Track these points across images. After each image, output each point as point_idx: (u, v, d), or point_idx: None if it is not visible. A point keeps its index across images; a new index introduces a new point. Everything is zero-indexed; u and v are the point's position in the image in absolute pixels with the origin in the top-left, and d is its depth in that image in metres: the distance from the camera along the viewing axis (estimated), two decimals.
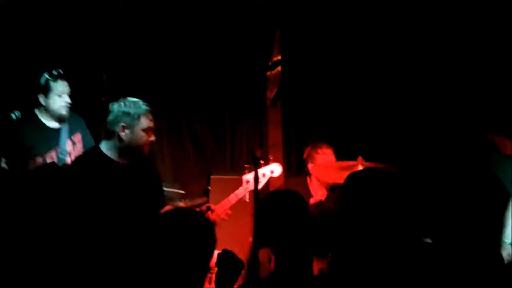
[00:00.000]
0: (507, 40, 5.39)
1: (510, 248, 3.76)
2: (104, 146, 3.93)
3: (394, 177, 2.47)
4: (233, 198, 4.35)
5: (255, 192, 3.18)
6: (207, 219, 2.81)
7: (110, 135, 3.91)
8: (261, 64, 6.19)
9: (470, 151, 5.42)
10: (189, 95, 6.17)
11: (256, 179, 3.16)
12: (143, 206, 3.87)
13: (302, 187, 5.18)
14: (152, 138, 3.97)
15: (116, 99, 4.07)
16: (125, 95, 4.13)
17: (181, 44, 6.04)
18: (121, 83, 5.55)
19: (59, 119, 4.76)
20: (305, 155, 5.32)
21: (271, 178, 4.67)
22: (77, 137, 4.88)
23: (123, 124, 3.86)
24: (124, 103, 3.91)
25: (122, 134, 3.85)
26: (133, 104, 3.92)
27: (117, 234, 3.67)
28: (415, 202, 2.54)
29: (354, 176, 2.54)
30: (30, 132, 4.73)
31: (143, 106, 3.93)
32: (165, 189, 5.68)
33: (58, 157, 4.73)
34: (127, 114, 3.87)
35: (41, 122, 4.78)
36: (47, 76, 4.71)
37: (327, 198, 5.18)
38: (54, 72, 4.71)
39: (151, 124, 3.95)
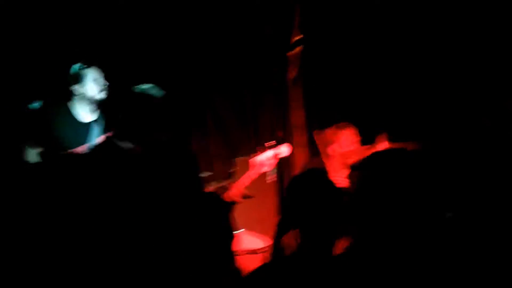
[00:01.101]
0: None
1: None
2: (116, 137, 4.04)
3: (412, 156, 2.49)
4: (246, 179, 4.39)
5: (279, 177, 3.21)
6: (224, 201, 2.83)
7: (123, 125, 3.97)
8: (282, 45, 6.18)
9: (489, 121, 5.40)
10: (211, 79, 6.18)
11: (280, 163, 3.19)
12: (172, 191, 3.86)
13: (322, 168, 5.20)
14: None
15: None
16: (139, 81, 4.12)
17: (201, 26, 6.04)
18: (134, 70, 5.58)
19: (98, 105, 4.76)
20: (328, 136, 5.31)
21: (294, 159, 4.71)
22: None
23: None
24: (146, 89, 3.98)
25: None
26: (154, 90, 3.93)
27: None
28: (435, 179, 2.55)
29: (374, 156, 2.56)
30: (62, 126, 4.75)
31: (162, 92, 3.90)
32: None
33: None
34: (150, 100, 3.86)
35: (73, 117, 4.78)
36: (78, 66, 4.73)
37: (349, 177, 5.19)
38: (85, 61, 4.74)
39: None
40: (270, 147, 4.26)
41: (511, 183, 4.94)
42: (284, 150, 4.63)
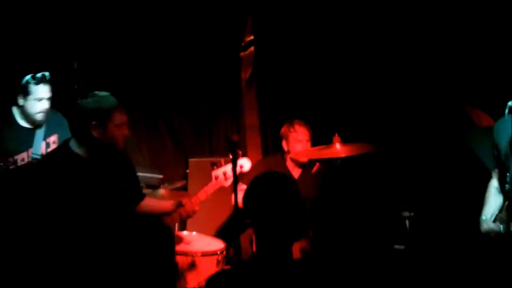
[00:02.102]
0: (482, 20, 5.39)
1: (488, 225, 3.80)
2: (74, 143, 3.73)
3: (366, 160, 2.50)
4: (202, 194, 4.29)
5: (234, 180, 3.14)
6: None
7: (81, 132, 3.70)
8: (234, 46, 6.16)
9: (446, 126, 5.47)
10: (163, 81, 6.12)
11: (235, 166, 3.13)
12: (116, 201, 3.77)
13: (279, 165, 5.19)
14: (126, 132, 3.75)
15: (88, 88, 3.94)
16: (97, 83, 4.01)
17: (152, 30, 5.97)
18: (92, 70, 5.50)
19: (34, 123, 4.62)
20: (280, 132, 5.31)
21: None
22: (53, 139, 4.73)
23: (94, 121, 3.64)
24: (94, 99, 3.68)
25: (94, 132, 3.64)
26: (103, 99, 3.69)
27: (88, 233, 3.59)
28: (390, 180, 2.56)
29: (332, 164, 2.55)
30: (3, 131, 4.61)
31: (114, 100, 3.71)
32: (143, 174, 5.69)
33: (30, 159, 4.59)
34: (98, 110, 3.65)
35: (16, 121, 4.65)
36: (28, 79, 4.54)
37: (301, 175, 5.20)
38: (38, 75, 4.54)
39: (124, 119, 3.73)
40: (231, 161, 4.12)
41: (464, 186, 5.03)
42: (245, 164, 4.55)
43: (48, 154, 4.18)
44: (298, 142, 5.17)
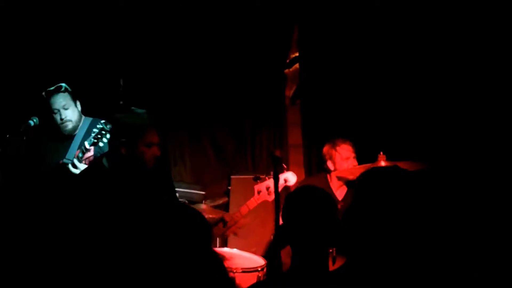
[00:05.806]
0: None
1: None
2: (105, 160, 3.74)
3: (406, 176, 2.42)
4: (244, 209, 4.26)
5: (276, 196, 3.10)
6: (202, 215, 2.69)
7: (112, 148, 3.72)
8: (279, 62, 6.14)
9: (497, 146, 5.32)
10: (208, 97, 6.14)
11: (277, 181, 3.08)
12: (148, 217, 3.75)
13: (323, 185, 5.10)
14: (156, 152, 3.70)
15: (134, 103, 3.95)
16: (142, 99, 4.02)
17: (198, 46, 6.01)
18: (138, 87, 5.55)
19: (64, 133, 4.66)
20: (324, 152, 5.23)
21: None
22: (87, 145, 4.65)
23: (124, 138, 3.64)
24: (128, 116, 3.71)
25: (122, 148, 3.64)
26: (137, 117, 3.71)
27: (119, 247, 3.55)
28: (432, 200, 2.48)
29: (366, 174, 2.49)
30: (50, 141, 4.70)
31: (147, 119, 3.70)
32: (186, 190, 5.70)
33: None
34: (130, 127, 3.65)
35: (56, 132, 4.68)
36: (43, 93, 4.62)
37: (346, 194, 5.10)
38: (50, 89, 4.60)
39: (154, 139, 3.69)
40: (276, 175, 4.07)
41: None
42: (291, 178, 4.49)
43: (84, 170, 4.14)
44: (344, 160, 5.06)
